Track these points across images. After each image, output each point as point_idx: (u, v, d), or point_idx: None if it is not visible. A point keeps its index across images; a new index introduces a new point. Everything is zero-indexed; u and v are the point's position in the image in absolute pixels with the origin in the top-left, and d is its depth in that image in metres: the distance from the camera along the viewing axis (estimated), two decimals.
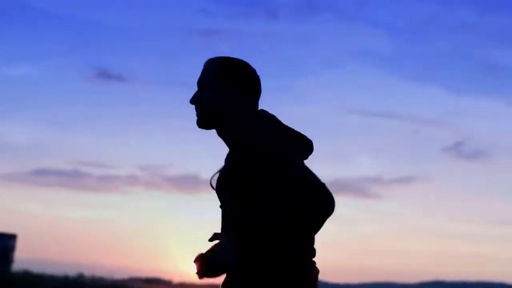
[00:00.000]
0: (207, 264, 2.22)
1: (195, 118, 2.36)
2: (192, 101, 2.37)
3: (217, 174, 2.34)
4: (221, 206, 2.33)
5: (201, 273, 2.24)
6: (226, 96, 2.30)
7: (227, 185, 2.24)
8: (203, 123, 2.35)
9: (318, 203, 2.10)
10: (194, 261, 2.25)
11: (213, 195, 2.41)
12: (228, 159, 2.31)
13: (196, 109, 2.36)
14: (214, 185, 2.35)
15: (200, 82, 2.37)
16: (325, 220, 2.14)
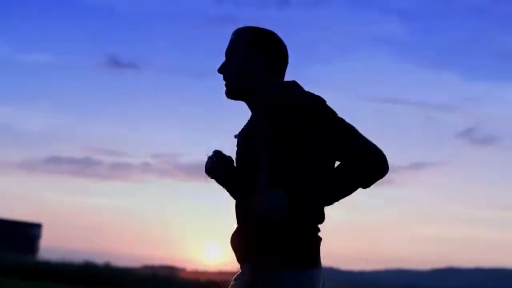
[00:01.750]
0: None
1: (223, 88, 2.36)
2: (220, 70, 2.36)
3: (242, 133, 2.35)
4: (241, 159, 2.32)
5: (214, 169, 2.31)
6: (255, 66, 2.31)
7: (267, 140, 2.20)
8: (232, 93, 2.34)
9: (376, 161, 2.13)
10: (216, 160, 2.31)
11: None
12: (259, 118, 2.28)
13: (225, 79, 2.36)
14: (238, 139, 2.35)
15: (228, 52, 2.37)
16: (380, 178, 2.17)
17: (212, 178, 2.36)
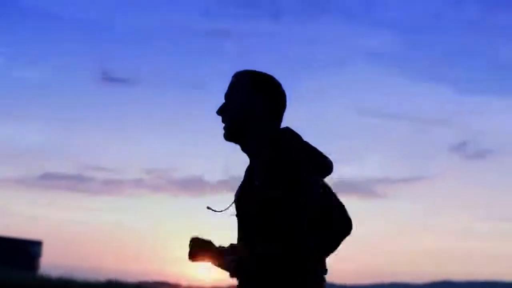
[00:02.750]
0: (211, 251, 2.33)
1: (222, 130, 2.37)
2: (219, 112, 2.38)
3: (239, 188, 2.38)
4: (239, 220, 2.34)
5: (193, 255, 2.36)
6: (254, 109, 2.32)
7: (255, 203, 2.24)
8: (230, 135, 2.36)
9: (340, 226, 2.18)
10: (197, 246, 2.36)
11: (219, 197, 2.45)
12: (253, 174, 2.31)
13: (223, 121, 2.37)
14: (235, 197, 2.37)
15: (228, 94, 2.38)
16: (341, 241, 2.21)
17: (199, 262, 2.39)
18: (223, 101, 2.40)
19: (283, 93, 2.38)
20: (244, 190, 2.34)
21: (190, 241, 2.37)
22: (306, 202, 2.17)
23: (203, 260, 2.36)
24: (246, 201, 2.29)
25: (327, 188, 2.23)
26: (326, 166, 2.28)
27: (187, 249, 2.37)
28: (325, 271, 2.26)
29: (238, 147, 2.40)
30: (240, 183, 2.39)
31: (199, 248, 2.35)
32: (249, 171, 2.37)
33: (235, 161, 2.45)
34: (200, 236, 2.37)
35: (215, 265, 2.35)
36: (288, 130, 2.33)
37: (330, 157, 2.30)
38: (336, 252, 2.24)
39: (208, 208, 2.37)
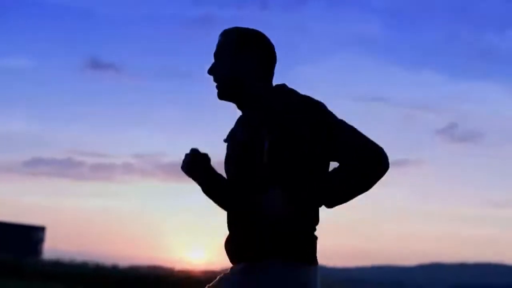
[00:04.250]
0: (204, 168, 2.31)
1: (215, 90, 2.35)
2: (209, 71, 2.35)
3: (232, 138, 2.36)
4: (240, 172, 2.28)
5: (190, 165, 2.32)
6: (244, 66, 2.31)
7: (265, 145, 2.20)
8: (223, 94, 2.34)
9: (375, 159, 2.13)
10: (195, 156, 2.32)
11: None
12: (252, 124, 2.28)
13: (215, 80, 2.35)
14: (228, 142, 2.37)
15: (217, 53, 2.36)
16: (380, 176, 2.17)
17: (190, 177, 2.35)
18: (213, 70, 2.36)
19: (272, 48, 2.36)
20: (241, 131, 2.32)
21: (190, 153, 2.33)
22: (343, 139, 2.15)
23: (196, 176, 2.34)
24: (245, 141, 2.26)
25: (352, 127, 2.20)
26: (318, 111, 2.24)
27: (184, 160, 2.34)
28: (318, 220, 2.24)
29: (224, 130, 2.40)
30: (230, 132, 2.39)
31: (198, 162, 2.32)
32: (243, 124, 2.34)
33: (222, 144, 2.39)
34: (199, 150, 2.34)
35: (205, 186, 2.36)
36: (283, 85, 2.32)
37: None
38: (324, 230, 2.22)
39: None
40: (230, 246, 2.29)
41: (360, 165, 2.14)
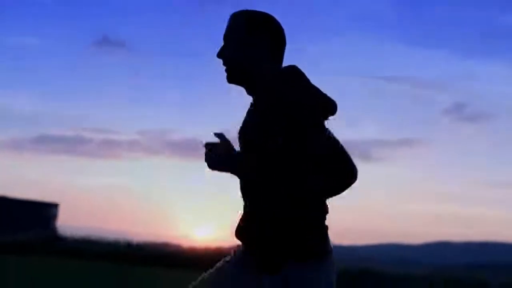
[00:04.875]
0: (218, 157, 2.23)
1: (224, 73, 2.34)
2: (219, 55, 2.34)
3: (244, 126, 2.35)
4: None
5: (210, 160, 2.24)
6: (253, 50, 2.29)
7: (263, 134, 2.21)
8: (232, 78, 2.32)
9: (345, 174, 2.15)
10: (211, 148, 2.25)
11: None
12: (257, 114, 2.28)
13: (225, 64, 2.33)
14: (240, 135, 2.36)
15: (226, 37, 2.34)
16: (346, 188, 2.19)
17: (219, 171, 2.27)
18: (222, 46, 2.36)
19: (281, 31, 2.34)
20: (249, 128, 2.31)
21: (208, 149, 2.26)
22: (311, 151, 2.16)
23: (226, 170, 2.26)
24: (251, 138, 2.27)
25: (331, 134, 2.20)
26: (330, 107, 2.23)
27: (206, 155, 2.26)
28: (327, 209, 2.27)
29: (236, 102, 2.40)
30: (242, 122, 2.37)
31: (222, 154, 2.26)
32: (252, 111, 2.34)
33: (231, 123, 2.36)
34: (216, 140, 2.29)
35: (236, 174, 2.29)
36: (292, 68, 2.29)
37: (329, 121, 2.24)
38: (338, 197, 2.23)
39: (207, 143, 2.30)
40: (243, 236, 2.32)
41: (328, 181, 2.17)
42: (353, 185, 2.22)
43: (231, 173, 2.28)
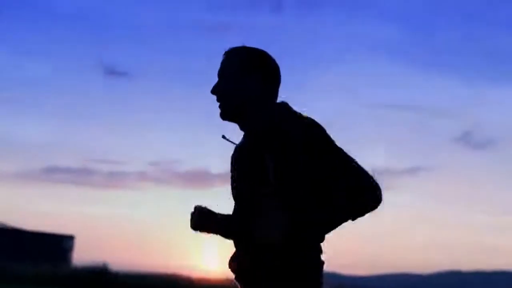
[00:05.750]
0: (203, 215, 2.24)
1: (218, 110, 2.32)
2: (213, 91, 2.31)
3: (237, 149, 2.33)
4: (235, 187, 2.29)
5: (194, 224, 2.25)
6: (248, 87, 2.26)
7: (254, 166, 2.20)
8: (226, 114, 2.30)
9: (371, 193, 2.13)
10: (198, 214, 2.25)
11: (225, 189, 2.33)
12: (251, 145, 2.27)
13: (218, 100, 2.30)
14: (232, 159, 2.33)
15: (221, 73, 2.31)
16: (371, 211, 2.17)
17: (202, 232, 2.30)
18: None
19: (277, 68, 2.32)
20: (244, 152, 2.30)
21: (194, 211, 2.28)
22: (326, 173, 2.15)
23: (206, 231, 2.29)
24: (245, 164, 2.27)
25: (346, 154, 2.20)
26: (320, 136, 2.23)
27: (191, 220, 2.29)
28: (322, 239, 2.23)
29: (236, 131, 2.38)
30: (235, 148, 2.35)
31: (204, 219, 2.27)
32: (247, 147, 2.31)
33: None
34: (203, 206, 2.29)
35: (219, 234, 2.31)
36: (284, 105, 2.30)
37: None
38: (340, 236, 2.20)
39: (224, 137, 2.34)
40: (233, 267, 2.31)
41: (349, 200, 2.14)
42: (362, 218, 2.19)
43: (213, 233, 2.32)
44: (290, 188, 2.17)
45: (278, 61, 2.35)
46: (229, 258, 2.31)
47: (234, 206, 2.34)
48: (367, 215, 2.20)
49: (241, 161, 2.30)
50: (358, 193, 2.14)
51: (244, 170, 2.27)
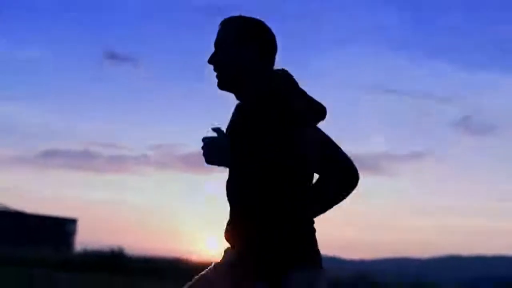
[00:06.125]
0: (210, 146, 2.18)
1: (215, 79, 2.32)
2: (209, 61, 2.31)
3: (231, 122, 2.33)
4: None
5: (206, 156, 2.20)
6: (244, 55, 2.27)
7: (245, 131, 2.20)
8: (223, 84, 2.30)
9: (340, 177, 2.09)
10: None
11: (226, 175, 2.31)
12: (244, 112, 2.27)
13: (215, 70, 2.31)
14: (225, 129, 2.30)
15: (217, 43, 2.32)
16: (347, 194, 2.13)
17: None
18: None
19: (272, 36, 2.33)
20: (237, 128, 2.29)
21: (210, 141, 2.23)
22: (302, 151, 2.12)
23: (220, 164, 2.24)
24: (239, 138, 2.23)
25: (325, 135, 2.17)
26: (320, 110, 2.22)
27: (205, 149, 2.23)
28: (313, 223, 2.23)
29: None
30: (229, 123, 2.35)
31: (216, 149, 2.21)
32: (239, 112, 2.33)
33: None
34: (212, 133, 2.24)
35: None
36: (283, 71, 2.29)
37: (334, 134, 2.19)
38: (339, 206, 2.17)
39: (213, 129, 2.27)
40: (228, 238, 2.30)
41: (331, 185, 2.12)
42: (363, 195, 2.22)
43: (226, 166, 2.27)
44: (281, 160, 2.14)
45: (278, 42, 2.36)
46: (225, 229, 2.32)
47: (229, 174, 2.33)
48: (360, 195, 2.22)
49: (236, 133, 2.28)
50: (340, 173, 2.13)
51: (236, 143, 2.23)
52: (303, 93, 2.25)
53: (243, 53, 2.28)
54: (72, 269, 19.17)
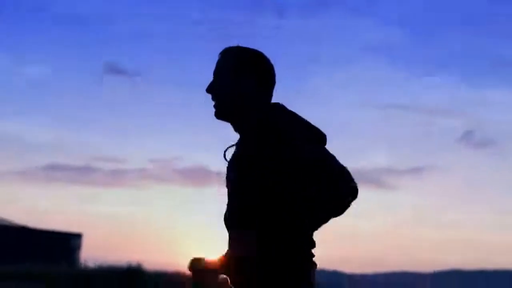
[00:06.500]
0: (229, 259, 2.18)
1: (212, 109, 2.32)
2: (208, 90, 2.31)
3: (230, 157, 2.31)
4: (230, 194, 2.26)
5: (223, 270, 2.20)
6: (242, 86, 2.26)
7: (247, 172, 2.18)
8: (220, 113, 2.30)
9: (335, 189, 2.06)
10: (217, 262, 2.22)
11: (225, 188, 2.30)
12: (243, 147, 2.25)
13: (213, 99, 2.31)
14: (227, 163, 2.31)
15: (217, 72, 2.32)
16: (345, 207, 2.10)
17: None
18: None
19: (270, 67, 2.32)
20: (239, 155, 2.28)
21: (192, 263, 2.25)
22: (301, 155, 2.10)
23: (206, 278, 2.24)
24: (239, 171, 2.23)
25: (326, 150, 2.16)
26: (319, 136, 2.21)
27: (190, 268, 2.26)
28: (313, 244, 2.20)
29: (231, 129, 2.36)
30: (229, 161, 2.33)
31: (202, 268, 2.24)
32: (239, 146, 2.31)
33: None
34: (200, 257, 2.25)
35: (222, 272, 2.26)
36: (279, 104, 2.28)
37: (337, 149, 2.16)
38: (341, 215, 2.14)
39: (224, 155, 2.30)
40: (226, 271, 2.27)
41: (329, 199, 2.09)
42: (365, 215, 2.34)
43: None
44: (281, 195, 2.14)
45: (279, 65, 2.37)
46: (223, 258, 2.28)
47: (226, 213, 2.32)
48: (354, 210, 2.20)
49: (233, 171, 2.27)
50: (336, 188, 2.10)
51: (235, 180, 2.24)
52: (303, 121, 2.24)
53: (241, 83, 2.28)
54: (83, 285, 19.24)
